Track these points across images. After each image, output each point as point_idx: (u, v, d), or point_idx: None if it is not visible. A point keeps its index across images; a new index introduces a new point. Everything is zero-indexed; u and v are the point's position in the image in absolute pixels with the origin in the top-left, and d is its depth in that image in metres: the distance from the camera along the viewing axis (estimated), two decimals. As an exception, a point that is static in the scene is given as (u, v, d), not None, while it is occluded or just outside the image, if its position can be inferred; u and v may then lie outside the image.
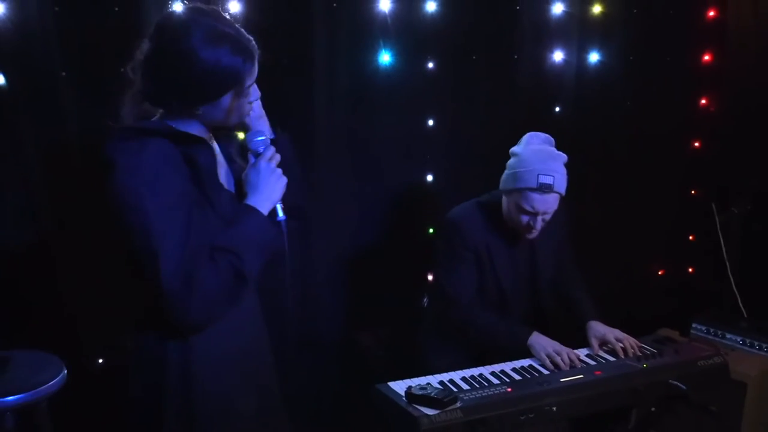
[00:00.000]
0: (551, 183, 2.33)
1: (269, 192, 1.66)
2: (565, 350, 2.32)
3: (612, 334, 2.45)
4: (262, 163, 1.68)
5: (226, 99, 1.59)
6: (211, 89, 1.56)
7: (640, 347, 2.42)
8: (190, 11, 1.57)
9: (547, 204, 2.37)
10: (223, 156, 1.78)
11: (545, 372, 2.25)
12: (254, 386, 1.77)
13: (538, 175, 2.32)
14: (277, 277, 1.82)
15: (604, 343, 2.45)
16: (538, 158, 2.36)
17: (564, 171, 2.38)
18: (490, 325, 2.48)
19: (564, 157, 2.41)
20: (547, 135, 2.48)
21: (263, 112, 1.80)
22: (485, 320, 2.49)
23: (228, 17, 1.60)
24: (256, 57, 1.61)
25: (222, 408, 1.67)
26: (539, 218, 2.40)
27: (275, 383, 1.89)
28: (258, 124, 1.77)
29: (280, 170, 1.70)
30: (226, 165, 1.77)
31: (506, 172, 2.45)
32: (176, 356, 1.61)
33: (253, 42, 1.61)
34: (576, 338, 2.50)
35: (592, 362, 2.33)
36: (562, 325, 2.62)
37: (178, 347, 1.61)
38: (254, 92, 1.66)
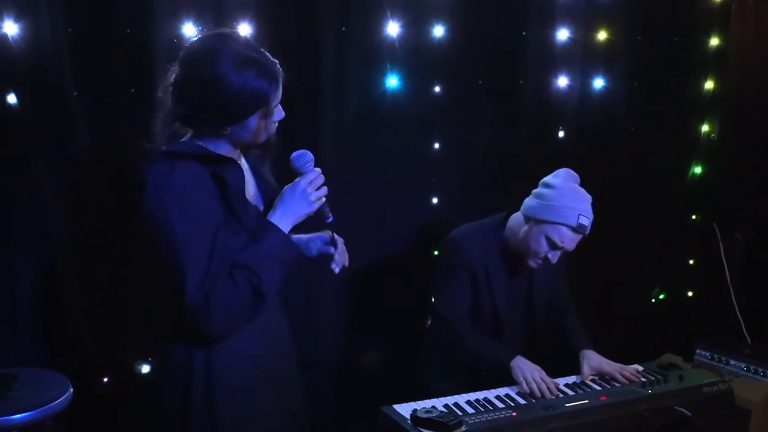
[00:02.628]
0: (587, 225, 2.37)
1: (294, 210, 1.71)
2: (546, 379, 2.30)
3: (609, 365, 2.43)
4: (301, 182, 1.73)
5: (253, 120, 1.66)
6: (239, 111, 1.63)
7: (641, 374, 2.42)
8: (216, 37, 1.66)
9: (574, 243, 2.40)
10: (253, 175, 1.85)
11: (571, 393, 2.25)
12: (279, 392, 1.83)
13: (579, 215, 2.34)
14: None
15: (600, 373, 2.42)
16: (579, 198, 2.38)
17: (592, 214, 2.41)
18: (477, 344, 2.48)
19: (591, 198, 2.44)
20: (577, 175, 2.49)
21: None
22: (472, 339, 2.49)
23: (251, 41, 1.69)
24: (281, 79, 1.68)
25: (245, 415, 1.73)
26: (559, 253, 2.42)
27: (299, 390, 1.95)
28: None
29: (316, 194, 1.74)
30: (255, 183, 1.84)
31: (538, 201, 2.42)
32: (200, 365, 1.68)
33: (278, 65, 1.69)
34: (567, 366, 2.49)
35: (570, 392, 2.30)
36: (555, 353, 2.62)
37: (201, 357, 1.68)
38: (278, 113, 1.72)
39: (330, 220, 1.82)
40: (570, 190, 2.40)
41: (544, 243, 2.40)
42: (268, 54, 1.68)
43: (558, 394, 2.26)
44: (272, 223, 1.68)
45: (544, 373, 2.33)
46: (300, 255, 1.75)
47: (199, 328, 1.59)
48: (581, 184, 2.47)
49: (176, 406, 1.70)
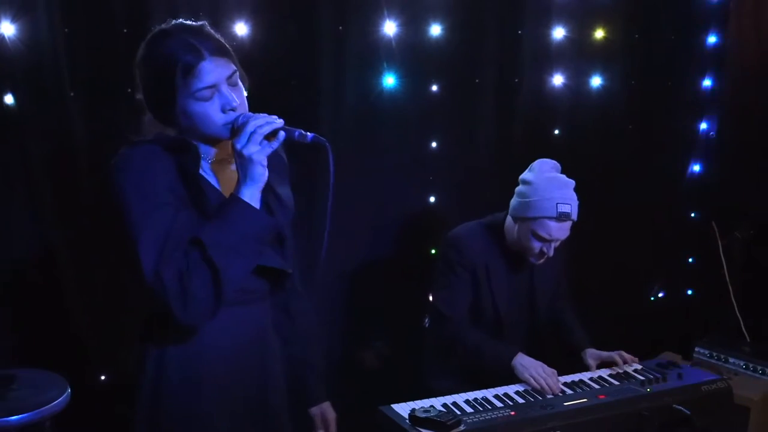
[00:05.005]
0: (569, 211, 2.36)
1: (243, 175, 1.52)
2: (549, 373, 2.30)
3: (607, 354, 2.49)
4: (232, 143, 1.54)
5: (182, 101, 1.53)
6: (158, 89, 1.54)
7: (640, 372, 2.43)
8: (168, 25, 1.58)
9: (563, 231, 2.40)
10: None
11: (549, 396, 2.25)
12: (241, 414, 1.70)
13: (557, 204, 2.35)
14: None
15: (600, 360, 2.48)
16: (554, 186, 2.38)
17: (576, 197, 2.41)
18: (478, 343, 2.47)
19: (573, 183, 2.43)
20: (555, 161, 2.49)
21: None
22: (473, 338, 2.49)
23: (207, 29, 1.57)
24: (208, 57, 1.51)
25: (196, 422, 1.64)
26: (553, 245, 2.42)
27: (277, 414, 1.80)
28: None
29: (250, 143, 1.50)
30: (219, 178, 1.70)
31: (518, 200, 2.45)
32: (150, 366, 1.62)
33: (217, 44, 1.55)
34: (567, 363, 2.50)
35: (569, 391, 2.29)
36: (557, 351, 2.62)
37: (153, 358, 1.62)
38: (225, 100, 1.54)
39: (310, 137, 1.56)
40: (545, 182, 2.40)
41: (533, 239, 2.42)
42: (208, 34, 1.55)
43: (561, 387, 2.27)
44: (233, 195, 1.52)
45: (546, 366, 2.32)
46: (264, 223, 1.54)
47: (168, 311, 1.48)
48: (568, 173, 2.47)
49: (132, 407, 1.65)
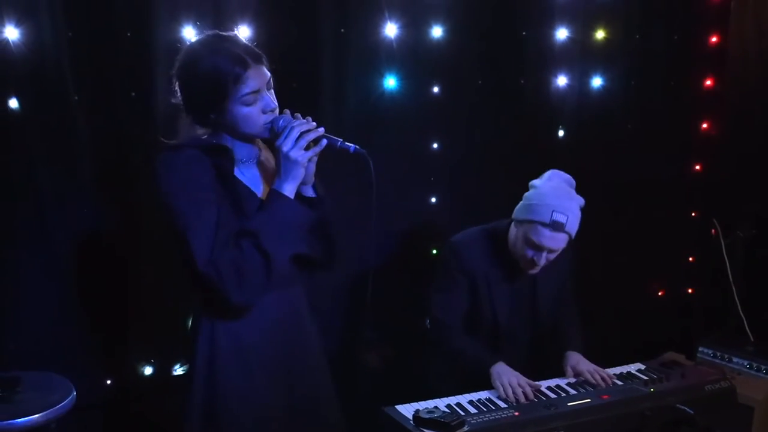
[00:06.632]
0: (564, 222, 2.32)
1: (286, 173, 1.71)
2: (522, 383, 2.24)
3: (585, 365, 2.41)
4: (276, 144, 1.73)
5: (232, 105, 1.70)
6: (210, 93, 1.68)
7: (611, 379, 2.36)
8: (206, 35, 1.76)
9: (556, 242, 2.36)
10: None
11: (552, 396, 2.25)
12: (287, 385, 1.86)
13: (552, 211, 2.31)
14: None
15: (576, 372, 2.40)
16: (556, 195, 2.35)
17: (578, 213, 2.37)
18: (462, 346, 2.47)
19: (581, 200, 2.40)
20: (569, 176, 2.46)
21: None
22: (458, 343, 2.48)
23: (240, 39, 1.74)
24: (252, 65, 1.69)
25: (248, 407, 1.78)
26: (544, 254, 2.38)
27: (318, 385, 1.98)
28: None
29: (302, 143, 1.70)
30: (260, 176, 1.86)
31: (522, 202, 2.43)
32: (203, 353, 1.76)
33: (255, 52, 1.73)
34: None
35: (573, 391, 2.28)
36: (556, 360, 2.61)
37: (205, 346, 1.76)
38: (266, 102, 1.73)
39: (352, 148, 1.76)
40: (550, 189, 2.37)
41: (526, 246, 2.39)
42: (247, 45, 1.74)
43: (533, 399, 2.21)
44: (272, 189, 1.72)
45: (522, 378, 2.28)
46: (305, 214, 1.75)
47: (217, 299, 1.67)
48: (568, 173, 2.46)
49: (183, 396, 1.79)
